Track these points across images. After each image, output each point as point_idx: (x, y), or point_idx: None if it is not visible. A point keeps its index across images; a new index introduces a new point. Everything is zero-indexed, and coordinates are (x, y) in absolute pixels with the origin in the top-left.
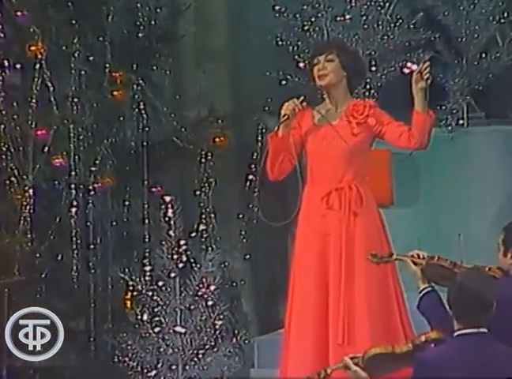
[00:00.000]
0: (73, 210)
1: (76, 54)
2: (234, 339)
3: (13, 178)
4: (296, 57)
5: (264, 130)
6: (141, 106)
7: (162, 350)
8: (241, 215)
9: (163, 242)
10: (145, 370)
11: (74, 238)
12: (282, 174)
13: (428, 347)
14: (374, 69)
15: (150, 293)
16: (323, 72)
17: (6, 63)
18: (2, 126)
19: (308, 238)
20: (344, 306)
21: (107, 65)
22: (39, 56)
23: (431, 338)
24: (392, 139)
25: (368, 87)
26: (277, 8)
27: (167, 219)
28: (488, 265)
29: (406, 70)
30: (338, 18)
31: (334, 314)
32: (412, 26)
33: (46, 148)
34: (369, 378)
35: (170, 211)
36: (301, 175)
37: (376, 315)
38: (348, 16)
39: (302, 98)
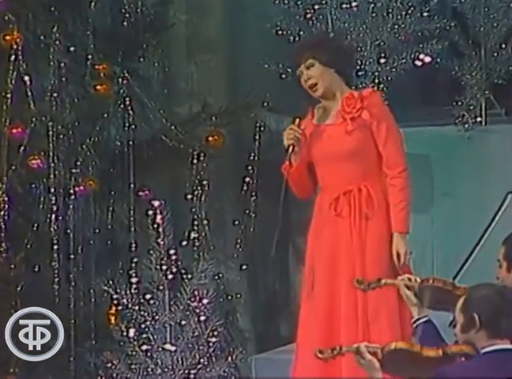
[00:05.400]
0: (52, 216)
1: (55, 45)
2: (229, 358)
3: None
4: None
5: (262, 128)
6: (127, 102)
7: (150, 370)
8: (237, 222)
9: (152, 252)
10: None
11: (53, 248)
12: (310, 193)
13: (456, 360)
14: (383, 61)
15: (137, 307)
16: (311, 82)
17: None
18: None
19: (319, 250)
20: (362, 313)
21: (90, 57)
22: (15, 46)
23: (463, 351)
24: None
25: (377, 81)
26: None
27: (155, 226)
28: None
29: (418, 63)
30: (344, 5)
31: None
32: (425, 14)
33: (22, 148)
34: (381, 373)
35: (158, 217)
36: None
37: (393, 321)
38: (354, 4)
39: (297, 120)
